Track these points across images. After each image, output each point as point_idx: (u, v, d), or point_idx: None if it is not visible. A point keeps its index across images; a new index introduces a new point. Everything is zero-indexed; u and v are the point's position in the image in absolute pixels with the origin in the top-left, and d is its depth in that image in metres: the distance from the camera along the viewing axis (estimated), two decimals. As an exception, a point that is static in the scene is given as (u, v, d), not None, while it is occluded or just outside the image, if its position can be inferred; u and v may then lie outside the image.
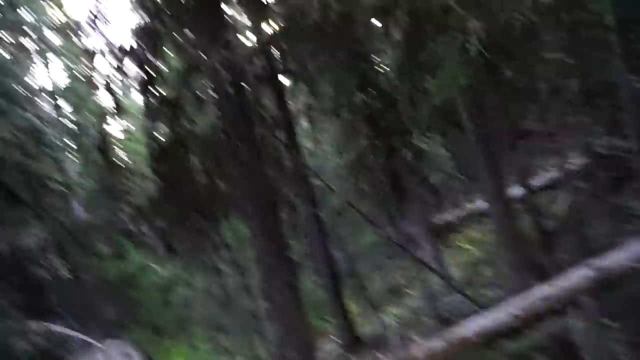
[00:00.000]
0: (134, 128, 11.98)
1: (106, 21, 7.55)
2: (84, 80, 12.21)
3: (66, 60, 15.50)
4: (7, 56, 13.74)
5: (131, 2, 7.63)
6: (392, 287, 12.13)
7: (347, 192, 10.36)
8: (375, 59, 8.92)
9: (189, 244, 8.72)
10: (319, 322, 10.85)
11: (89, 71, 8.18)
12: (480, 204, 11.02)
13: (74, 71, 15.26)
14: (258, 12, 7.78)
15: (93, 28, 7.56)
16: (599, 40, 6.84)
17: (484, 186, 8.28)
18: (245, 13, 8.26)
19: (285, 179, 8.84)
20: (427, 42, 6.13)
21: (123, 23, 7.83)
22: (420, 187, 10.54)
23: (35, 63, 15.38)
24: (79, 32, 8.04)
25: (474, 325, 6.57)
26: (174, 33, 7.28)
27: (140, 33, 7.42)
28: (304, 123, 10.34)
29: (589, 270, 6.04)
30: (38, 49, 15.13)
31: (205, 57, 6.67)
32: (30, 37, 14.77)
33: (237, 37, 7.92)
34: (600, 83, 7.60)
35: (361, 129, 8.91)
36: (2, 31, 13.77)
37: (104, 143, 8.08)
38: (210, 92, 7.18)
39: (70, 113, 16.20)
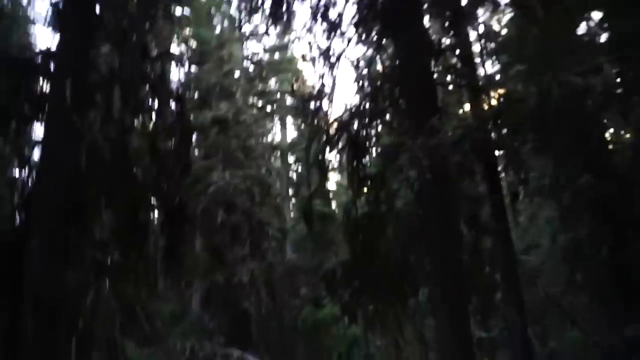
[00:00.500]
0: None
1: (332, 93, 8.43)
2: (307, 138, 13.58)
3: (297, 121, 17.57)
4: (251, 117, 16.09)
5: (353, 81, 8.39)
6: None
7: (557, 280, 9.47)
8: (607, 139, 8.21)
9: (374, 312, 8.82)
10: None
11: (314, 133, 8.99)
12: None
13: (301, 130, 17.15)
14: (473, 98, 7.81)
15: (320, 99, 8.53)
16: None
17: None
18: (460, 100, 8.35)
19: (485, 267, 8.45)
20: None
21: (343, 98, 8.63)
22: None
23: (272, 122, 17.81)
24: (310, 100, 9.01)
25: None
26: (387, 114, 7.70)
27: (357, 111, 8.03)
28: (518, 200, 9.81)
29: None
30: (276, 111, 17.47)
31: (410, 140, 6.88)
32: (273, 102, 17.31)
33: (446, 123, 8.01)
34: None
35: (583, 214, 8.19)
36: (252, 97, 16.33)
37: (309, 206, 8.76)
38: (413, 173, 7.34)
39: (294, 166, 18.12)
